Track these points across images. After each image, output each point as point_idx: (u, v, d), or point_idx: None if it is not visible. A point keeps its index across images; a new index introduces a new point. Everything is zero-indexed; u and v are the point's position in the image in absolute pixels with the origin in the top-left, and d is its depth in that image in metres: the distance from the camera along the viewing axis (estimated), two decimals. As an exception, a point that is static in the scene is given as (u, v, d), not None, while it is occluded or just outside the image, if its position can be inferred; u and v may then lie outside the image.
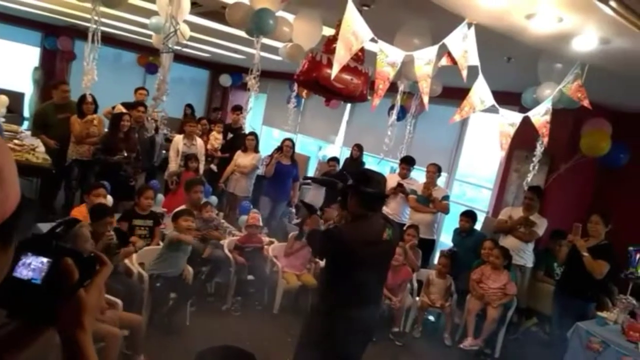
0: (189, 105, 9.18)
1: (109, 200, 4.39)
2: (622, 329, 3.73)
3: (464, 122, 6.88)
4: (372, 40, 2.09)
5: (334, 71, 2.09)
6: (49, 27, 9.33)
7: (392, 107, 5.05)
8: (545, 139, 2.74)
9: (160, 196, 5.48)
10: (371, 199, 2.53)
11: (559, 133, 5.25)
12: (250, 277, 4.55)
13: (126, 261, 3.80)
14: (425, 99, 2.36)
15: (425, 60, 2.21)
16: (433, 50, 2.20)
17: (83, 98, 5.43)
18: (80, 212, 3.98)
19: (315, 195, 6.61)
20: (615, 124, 5.10)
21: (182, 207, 4.50)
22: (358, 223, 2.52)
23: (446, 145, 7.01)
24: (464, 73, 2.25)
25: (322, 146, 9.71)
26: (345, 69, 2.75)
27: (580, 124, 5.19)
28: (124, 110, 5.56)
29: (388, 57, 2.12)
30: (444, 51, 2.22)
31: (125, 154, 5.16)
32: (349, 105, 8.57)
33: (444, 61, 2.23)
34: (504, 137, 2.62)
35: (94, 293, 0.78)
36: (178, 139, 5.99)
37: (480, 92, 2.42)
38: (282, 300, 4.55)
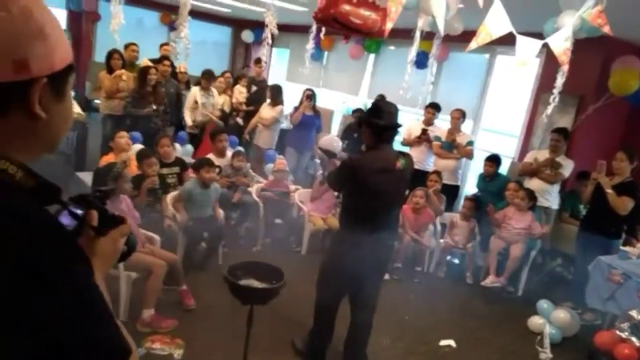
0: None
1: (135, 147, 4.58)
2: (644, 262, 3.77)
3: (488, 71, 6.76)
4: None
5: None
6: (73, -12, 9.43)
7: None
8: (565, 67, 2.71)
9: (189, 147, 5.67)
10: (382, 130, 2.63)
11: (588, 73, 5.13)
12: (278, 220, 4.74)
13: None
14: (441, 24, 2.37)
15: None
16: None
17: (110, 54, 5.59)
18: (108, 159, 4.23)
19: (329, 141, 6.67)
20: (646, 61, 4.94)
21: (204, 156, 4.63)
22: (371, 152, 2.66)
23: (471, 94, 6.91)
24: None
25: (345, 100, 9.68)
26: (363, 4, 2.78)
27: (609, 64, 5.04)
28: (151, 64, 5.68)
29: (402, -21, 2.15)
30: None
31: (154, 107, 5.33)
32: (372, 57, 8.49)
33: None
34: (522, 65, 2.62)
35: (107, 243, 0.86)
36: (195, 91, 6.25)
37: (497, 18, 2.42)
38: (309, 243, 4.73)
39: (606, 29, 2.57)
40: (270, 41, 2.85)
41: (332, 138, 6.53)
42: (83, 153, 5.68)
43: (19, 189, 0.68)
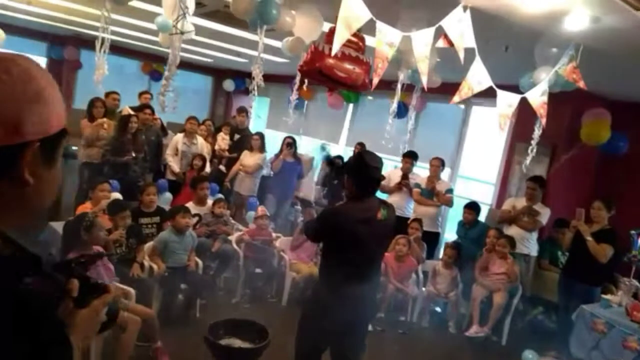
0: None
1: (114, 196, 4.49)
2: (626, 311, 3.78)
3: (464, 121, 6.98)
4: (371, 20, 2.18)
5: (335, 47, 2.19)
6: (55, 37, 9.50)
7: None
8: (544, 120, 2.82)
9: (168, 195, 5.58)
10: (366, 183, 2.61)
11: (560, 123, 5.32)
12: (258, 270, 4.64)
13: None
14: (424, 80, 2.45)
15: (423, 42, 2.30)
16: (430, 31, 2.30)
17: (92, 102, 5.57)
18: (85, 208, 4.11)
19: (307, 189, 6.72)
20: (614, 113, 5.17)
21: (181, 204, 4.56)
22: (352, 203, 2.61)
23: (448, 143, 7.08)
24: (461, 54, 2.34)
25: (325, 147, 9.78)
26: (347, 58, 2.86)
27: (579, 114, 5.26)
28: (132, 113, 5.67)
29: (386, 37, 2.22)
30: (440, 33, 2.31)
31: (134, 155, 5.28)
32: (351, 106, 8.70)
33: (441, 43, 2.33)
34: (502, 118, 2.70)
35: (88, 314, 0.80)
36: (177, 138, 6.08)
37: (478, 74, 2.52)
38: (291, 292, 4.62)
39: (581, 84, 2.70)
40: (256, 93, 2.87)
41: (308, 186, 6.58)
42: (57, 201, 5.52)
43: None
